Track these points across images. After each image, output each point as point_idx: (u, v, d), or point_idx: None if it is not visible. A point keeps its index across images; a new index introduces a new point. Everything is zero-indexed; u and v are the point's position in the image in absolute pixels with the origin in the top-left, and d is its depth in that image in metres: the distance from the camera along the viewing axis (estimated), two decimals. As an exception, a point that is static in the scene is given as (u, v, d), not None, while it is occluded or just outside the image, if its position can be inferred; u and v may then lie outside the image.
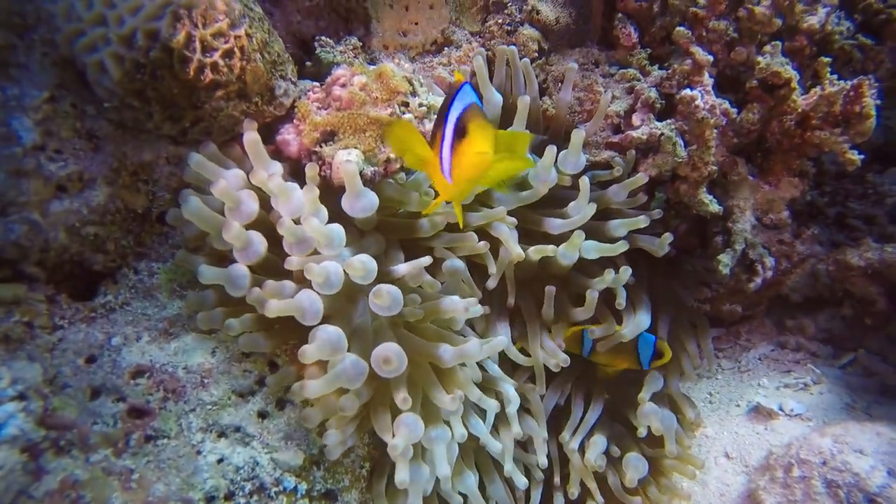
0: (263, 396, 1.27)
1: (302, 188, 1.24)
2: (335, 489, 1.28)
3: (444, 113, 1.03)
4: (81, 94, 1.26)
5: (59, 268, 1.26)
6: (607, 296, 1.62)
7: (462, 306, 1.32)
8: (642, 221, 1.57)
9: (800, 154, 1.67)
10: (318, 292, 1.18)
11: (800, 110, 1.59)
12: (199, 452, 1.18)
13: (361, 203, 1.26)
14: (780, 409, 1.80)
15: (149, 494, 1.08)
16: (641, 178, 1.60)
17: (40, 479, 0.99)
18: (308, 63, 1.68)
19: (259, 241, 1.20)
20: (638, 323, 1.62)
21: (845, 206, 2.36)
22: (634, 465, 1.59)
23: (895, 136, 2.40)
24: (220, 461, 1.18)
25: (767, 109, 1.65)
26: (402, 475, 1.18)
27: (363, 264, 1.19)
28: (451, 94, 1.05)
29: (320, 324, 1.19)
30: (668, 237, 1.63)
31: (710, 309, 2.16)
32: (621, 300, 1.59)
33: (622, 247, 1.54)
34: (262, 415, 1.26)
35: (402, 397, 1.19)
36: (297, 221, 1.22)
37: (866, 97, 1.49)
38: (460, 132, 0.97)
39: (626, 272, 1.55)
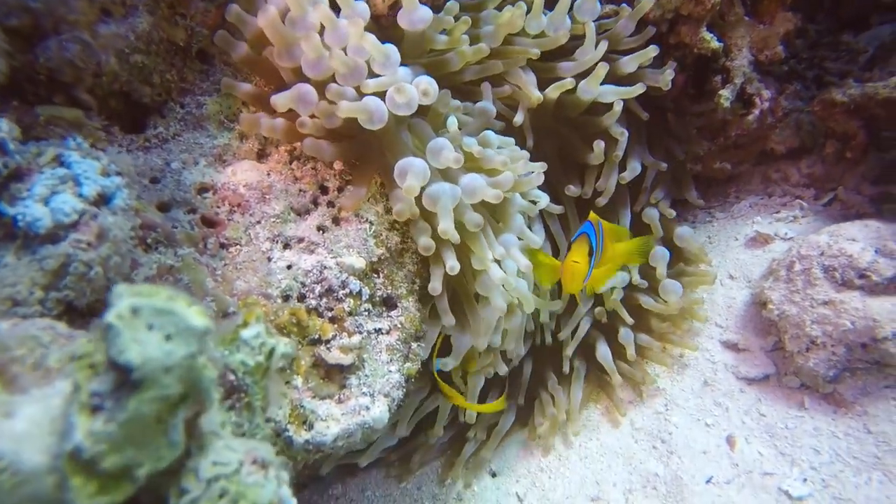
0: (320, 214, 1.35)
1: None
2: (394, 295, 1.38)
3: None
4: (110, -78, 1.25)
5: (109, 99, 1.28)
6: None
7: (500, 160, 1.42)
8: (652, 51, 1.67)
9: (793, -13, 1.78)
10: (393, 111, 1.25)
11: (793, -59, 1.69)
12: (269, 259, 1.26)
13: (419, 14, 1.32)
14: (776, 234, 1.98)
15: (233, 288, 1.17)
16: (647, 3, 1.68)
17: (136, 268, 1.05)
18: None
19: (328, 56, 1.24)
20: (633, 168, 1.77)
21: (822, 67, 2.51)
22: (673, 290, 1.75)
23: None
24: (289, 267, 1.27)
25: (762, -55, 1.75)
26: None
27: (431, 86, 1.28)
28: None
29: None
30: (670, 73, 1.73)
31: (701, 169, 2.31)
32: (619, 152, 1.73)
33: (639, 89, 1.64)
34: (321, 229, 1.34)
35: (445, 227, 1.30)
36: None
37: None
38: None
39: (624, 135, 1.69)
